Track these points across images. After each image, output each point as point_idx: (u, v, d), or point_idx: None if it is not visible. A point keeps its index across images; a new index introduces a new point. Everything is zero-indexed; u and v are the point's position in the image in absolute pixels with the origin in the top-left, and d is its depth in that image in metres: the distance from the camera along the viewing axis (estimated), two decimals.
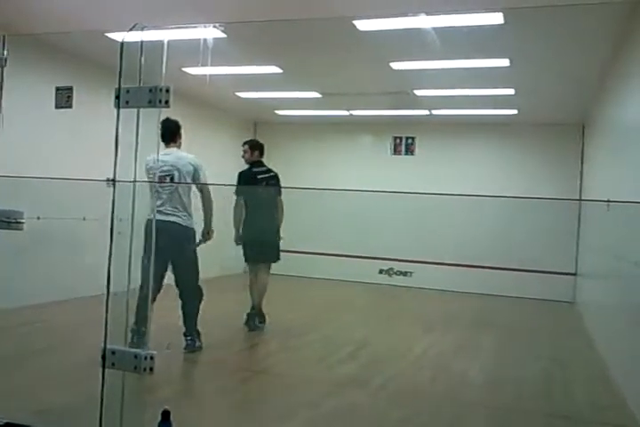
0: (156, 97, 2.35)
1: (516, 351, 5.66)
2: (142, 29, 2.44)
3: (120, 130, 2.66)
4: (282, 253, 6.07)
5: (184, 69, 6.74)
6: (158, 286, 4.23)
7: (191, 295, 4.69)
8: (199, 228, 4.82)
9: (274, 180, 6.00)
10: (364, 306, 7.93)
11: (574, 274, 8.70)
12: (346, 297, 8.46)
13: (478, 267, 9.09)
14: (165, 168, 4.57)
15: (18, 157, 5.31)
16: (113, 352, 2.43)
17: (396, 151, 9.98)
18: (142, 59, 2.43)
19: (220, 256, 8.32)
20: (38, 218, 5.03)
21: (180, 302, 4.67)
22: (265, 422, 3.43)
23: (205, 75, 6.61)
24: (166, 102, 2.35)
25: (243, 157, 6.05)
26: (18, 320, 5.24)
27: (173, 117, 4.50)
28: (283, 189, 6.06)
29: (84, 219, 5.79)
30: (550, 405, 4.01)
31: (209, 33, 5.18)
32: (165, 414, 2.45)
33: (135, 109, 2.49)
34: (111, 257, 2.71)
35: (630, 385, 3.97)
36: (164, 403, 2.55)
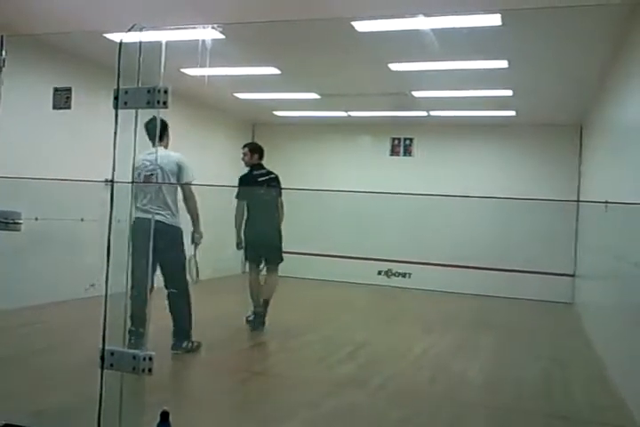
0: (154, 98, 2.35)
1: (515, 352, 5.67)
2: (141, 30, 2.44)
3: (118, 131, 2.66)
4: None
5: (182, 70, 6.74)
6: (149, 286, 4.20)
7: (179, 296, 4.67)
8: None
9: (274, 181, 6.02)
10: (362, 307, 7.93)
11: (573, 275, 8.71)
12: (344, 298, 8.45)
13: (477, 268, 9.10)
14: (150, 167, 4.48)
15: (16, 158, 5.32)
16: (112, 353, 2.43)
17: (394, 152, 9.99)
18: (141, 59, 2.43)
19: (214, 258, 8.31)
20: (36, 219, 5.03)
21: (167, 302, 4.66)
22: (265, 423, 3.43)
23: (204, 76, 6.61)
24: (164, 103, 2.35)
25: (242, 159, 6.06)
26: (17, 321, 5.23)
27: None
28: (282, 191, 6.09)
29: (82, 220, 5.79)
30: (549, 405, 4.01)
31: (207, 34, 5.18)
32: (164, 415, 2.45)
33: (134, 110, 2.49)
34: (109, 258, 2.71)
35: (629, 385, 3.97)
36: (162, 404, 2.55)
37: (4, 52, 2.94)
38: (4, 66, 2.95)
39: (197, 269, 4.95)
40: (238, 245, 5.91)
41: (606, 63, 5.64)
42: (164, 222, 4.52)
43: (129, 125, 2.63)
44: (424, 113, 8.79)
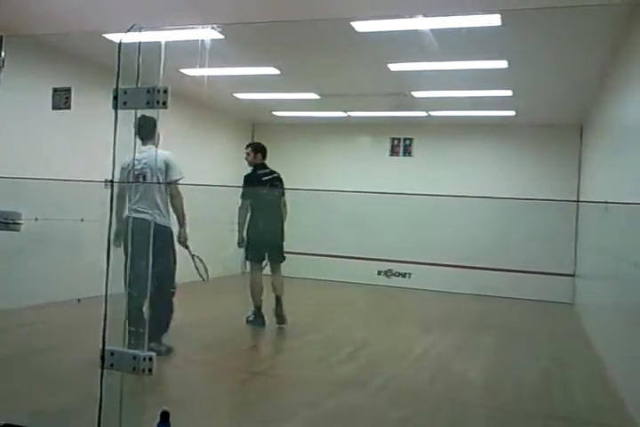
0: (153, 98, 2.35)
1: (516, 352, 5.67)
2: (140, 30, 2.44)
3: (118, 131, 2.66)
4: None
5: (182, 70, 6.74)
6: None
7: (161, 296, 4.61)
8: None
9: (277, 181, 6.08)
10: (363, 307, 7.93)
11: (573, 275, 8.71)
12: (345, 298, 8.45)
13: (477, 268, 9.10)
14: (139, 167, 4.43)
15: (16, 158, 5.31)
16: (112, 353, 2.43)
17: (393, 152, 9.99)
18: (140, 60, 2.43)
19: (214, 258, 8.32)
20: (36, 219, 5.03)
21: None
22: (265, 423, 3.43)
23: (203, 76, 6.61)
24: (164, 103, 2.35)
25: (246, 159, 6.10)
26: (17, 321, 5.23)
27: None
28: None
29: (83, 220, 5.79)
30: (549, 405, 4.01)
31: (207, 34, 5.18)
32: (164, 415, 2.45)
33: (133, 110, 2.49)
34: (109, 258, 2.71)
35: (628, 386, 3.97)
36: (163, 404, 2.55)
37: (3, 53, 2.94)
38: (3, 66, 2.95)
39: (205, 267, 4.92)
40: (240, 244, 5.94)
41: (606, 63, 5.64)
42: (152, 222, 4.39)
43: (128, 126, 2.63)
44: (424, 113, 8.79)
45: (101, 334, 2.53)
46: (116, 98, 2.40)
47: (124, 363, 2.39)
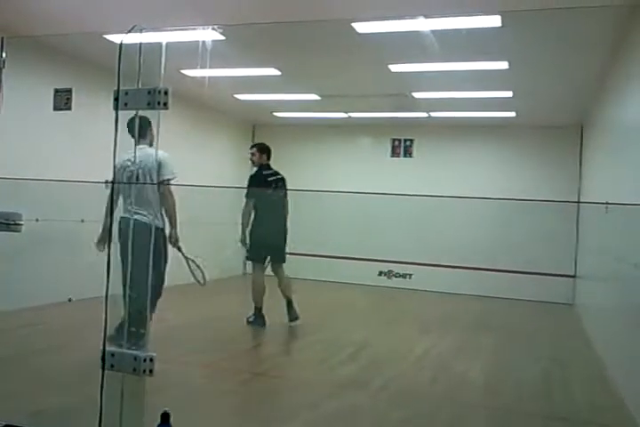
0: (154, 99, 2.35)
1: (516, 353, 5.66)
2: (141, 31, 2.44)
3: (119, 132, 2.66)
4: None
5: (183, 71, 6.74)
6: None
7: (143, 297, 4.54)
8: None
9: (281, 182, 6.14)
10: (363, 308, 7.93)
11: (573, 276, 8.70)
12: (345, 299, 8.45)
13: (477, 269, 9.10)
14: (132, 168, 4.31)
15: (17, 159, 5.32)
16: (112, 354, 2.43)
17: (394, 153, 9.99)
18: (141, 60, 2.43)
19: (215, 259, 8.31)
20: (37, 220, 5.04)
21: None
22: (266, 424, 3.43)
23: (204, 77, 6.61)
24: (165, 104, 2.35)
25: (251, 159, 6.14)
26: (17, 322, 5.23)
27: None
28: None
29: (83, 221, 5.79)
30: (549, 406, 4.01)
31: (207, 35, 5.19)
32: (165, 417, 2.45)
33: (134, 111, 2.50)
34: (110, 258, 2.71)
35: (629, 386, 3.97)
36: (163, 405, 2.55)
37: (4, 54, 2.95)
38: (4, 67, 2.96)
39: (202, 270, 4.76)
40: (242, 242, 5.96)
41: (606, 64, 5.64)
42: (144, 223, 4.32)
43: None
44: (424, 114, 8.79)
45: (102, 334, 2.54)
46: (116, 99, 2.41)
47: (125, 364, 2.40)
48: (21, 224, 2.76)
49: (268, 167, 6.10)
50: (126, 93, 2.40)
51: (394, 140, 9.97)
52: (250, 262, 6.31)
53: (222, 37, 5.27)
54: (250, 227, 5.90)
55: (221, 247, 6.92)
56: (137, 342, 2.66)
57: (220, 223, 8.40)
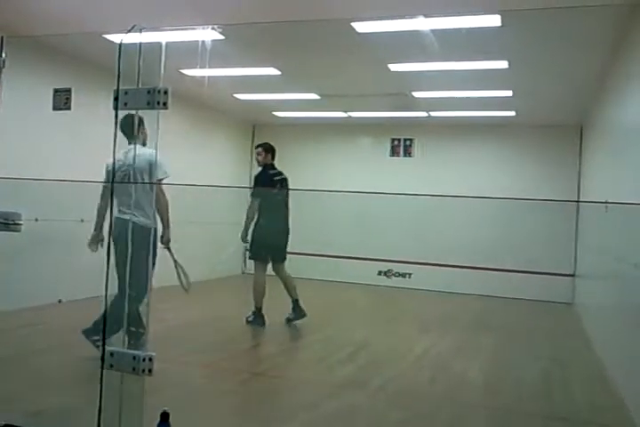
0: (154, 99, 2.35)
1: (516, 352, 5.66)
2: (140, 31, 2.44)
3: (119, 132, 2.67)
4: None
5: (182, 71, 6.74)
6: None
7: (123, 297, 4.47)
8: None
9: (285, 182, 6.15)
10: (363, 307, 7.93)
11: (573, 275, 8.71)
12: (345, 298, 8.46)
13: (477, 268, 9.10)
14: (123, 168, 4.21)
15: (17, 159, 5.32)
16: (112, 354, 2.43)
17: (394, 153, 9.99)
18: (141, 60, 2.43)
19: (214, 258, 8.31)
20: (37, 220, 5.04)
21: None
22: (265, 424, 3.42)
23: (204, 76, 6.61)
24: (164, 104, 2.35)
25: (256, 159, 6.18)
26: (17, 322, 5.23)
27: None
28: None
29: (82, 221, 5.79)
30: (549, 406, 4.01)
31: (207, 35, 5.18)
32: (164, 416, 2.45)
33: (134, 111, 2.50)
34: (109, 258, 2.71)
35: (628, 386, 3.97)
36: (163, 405, 2.55)
37: (3, 54, 2.95)
38: (3, 67, 2.96)
39: (186, 275, 4.59)
40: (243, 238, 5.98)
41: (606, 64, 5.64)
42: (134, 223, 4.23)
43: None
44: (424, 114, 8.80)
45: (101, 334, 2.54)
46: (116, 99, 2.41)
47: (124, 363, 2.40)
48: (21, 224, 2.76)
49: (273, 167, 6.14)
50: (126, 93, 2.40)
51: (393, 139, 9.97)
52: (250, 262, 6.31)
53: (222, 37, 5.27)
54: (253, 226, 5.92)
55: (221, 247, 6.92)
56: (136, 341, 2.66)
57: (220, 223, 8.41)
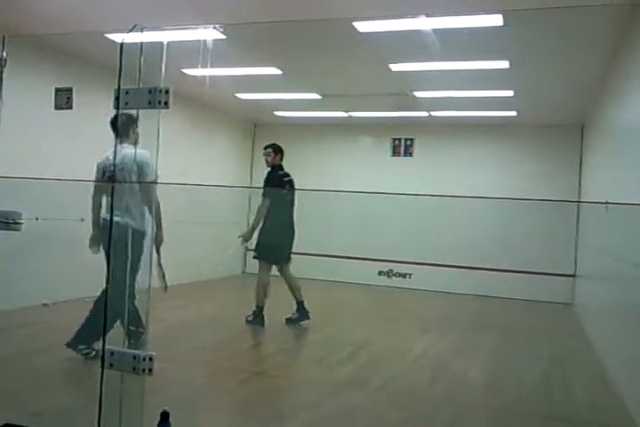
0: (155, 98, 2.35)
1: (516, 352, 5.67)
2: (142, 30, 2.44)
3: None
4: None
5: (184, 71, 6.74)
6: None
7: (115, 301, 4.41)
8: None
9: (292, 183, 6.19)
10: (363, 307, 7.94)
11: (573, 275, 8.70)
12: (345, 298, 8.46)
13: (477, 268, 9.09)
14: (111, 168, 4.26)
15: (18, 158, 5.32)
16: (112, 353, 2.43)
17: (394, 153, 9.99)
18: (142, 60, 2.43)
19: (215, 258, 8.32)
20: (37, 219, 5.03)
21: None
22: (265, 423, 3.43)
23: (205, 76, 6.62)
24: (166, 103, 2.35)
25: (265, 160, 6.15)
26: (17, 321, 5.24)
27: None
28: None
29: (83, 220, 5.79)
30: (549, 406, 4.01)
31: (208, 34, 5.18)
32: (164, 415, 2.45)
33: (135, 111, 2.50)
34: (110, 258, 2.71)
35: (629, 386, 3.97)
36: (163, 404, 2.55)
37: (5, 53, 2.95)
38: (5, 66, 2.96)
39: (164, 274, 4.38)
40: (245, 237, 5.97)
41: (607, 64, 5.63)
42: (120, 224, 4.13)
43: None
44: (425, 113, 8.79)
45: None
46: (117, 98, 2.41)
47: (124, 363, 2.40)
48: (21, 223, 2.76)
49: (282, 168, 6.16)
50: (127, 92, 2.40)
51: (394, 139, 9.97)
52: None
53: (223, 36, 5.26)
54: (261, 226, 5.92)
55: (222, 246, 6.91)
56: (136, 340, 2.66)
57: (221, 222, 8.41)
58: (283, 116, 9.74)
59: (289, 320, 6.04)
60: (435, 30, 4.93)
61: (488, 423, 3.66)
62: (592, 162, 7.59)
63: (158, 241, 4.39)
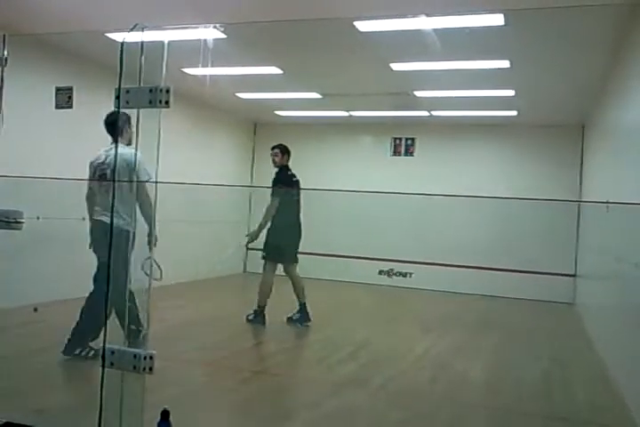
0: (156, 97, 2.35)
1: (516, 352, 5.66)
2: (143, 30, 2.44)
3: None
4: None
5: (184, 70, 6.74)
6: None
7: (97, 299, 4.33)
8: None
9: (299, 183, 6.23)
10: (363, 307, 7.93)
11: (574, 275, 8.70)
12: (345, 298, 8.46)
13: (478, 268, 9.09)
14: (102, 167, 4.30)
15: (18, 157, 5.32)
16: (112, 352, 2.44)
17: (395, 152, 9.99)
18: (142, 59, 2.43)
19: (216, 257, 8.32)
20: (38, 218, 5.03)
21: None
22: (265, 423, 3.43)
23: (206, 75, 6.61)
24: (166, 103, 2.36)
25: (273, 160, 6.16)
26: (18, 320, 5.24)
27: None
28: None
29: (84, 219, 5.80)
30: (550, 406, 4.01)
31: (209, 33, 5.18)
32: (165, 414, 2.46)
33: (135, 110, 2.50)
34: (111, 257, 2.72)
35: (629, 386, 3.97)
36: (163, 403, 2.55)
37: (5, 52, 2.95)
38: (5, 65, 2.96)
39: (158, 266, 4.13)
40: (251, 236, 5.96)
41: (607, 64, 5.63)
42: (105, 223, 4.06)
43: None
44: (426, 113, 8.79)
45: (101, 332, 2.54)
46: (118, 97, 2.41)
47: (125, 362, 2.40)
48: (22, 222, 2.76)
49: (289, 168, 6.18)
50: (127, 92, 2.40)
51: (395, 138, 9.97)
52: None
53: (224, 36, 5.27)
54: (270, 226, 5.93)
55: (223, 245, 6.91)
56: (136, 339, 2.66)
57: (221, 222, 8.41)
58: (283, 116, 9.74)
59: (290, 320, 6.04)
60: (435, 30, 4.93)
61: (488, 423, 3.66)
62: (593, 162, 7.58)
63: (150, 240, 4.35)
